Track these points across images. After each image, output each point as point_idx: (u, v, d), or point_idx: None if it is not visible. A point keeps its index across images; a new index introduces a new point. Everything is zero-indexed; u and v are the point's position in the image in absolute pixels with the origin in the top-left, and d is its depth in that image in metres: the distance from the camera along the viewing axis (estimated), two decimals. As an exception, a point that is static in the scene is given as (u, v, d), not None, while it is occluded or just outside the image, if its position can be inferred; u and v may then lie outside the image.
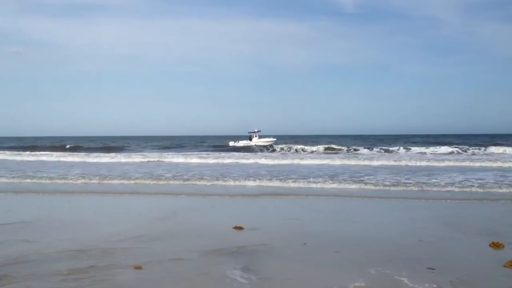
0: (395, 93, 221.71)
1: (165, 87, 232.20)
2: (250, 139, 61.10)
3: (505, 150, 38.28)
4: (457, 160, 28.68)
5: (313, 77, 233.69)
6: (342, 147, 48.04)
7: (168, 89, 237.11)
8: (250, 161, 31.01)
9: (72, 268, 6.31)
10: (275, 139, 62.75)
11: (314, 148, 47.37)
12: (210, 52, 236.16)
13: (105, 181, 18.40)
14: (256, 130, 62.49)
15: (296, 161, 29.75)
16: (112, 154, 39.70)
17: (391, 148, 45.21)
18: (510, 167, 23.88)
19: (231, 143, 60.23)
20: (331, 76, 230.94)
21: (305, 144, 54.01)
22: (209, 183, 17.49)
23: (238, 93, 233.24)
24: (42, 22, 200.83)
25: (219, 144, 63.34)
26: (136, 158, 34.97)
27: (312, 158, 32.55)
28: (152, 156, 35.92)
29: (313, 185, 16.24)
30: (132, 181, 18.18)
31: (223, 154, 39.89)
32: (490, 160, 27.60)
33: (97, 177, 19.23)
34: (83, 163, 31.83)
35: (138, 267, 6.31)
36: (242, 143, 59.56)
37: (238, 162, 30.48)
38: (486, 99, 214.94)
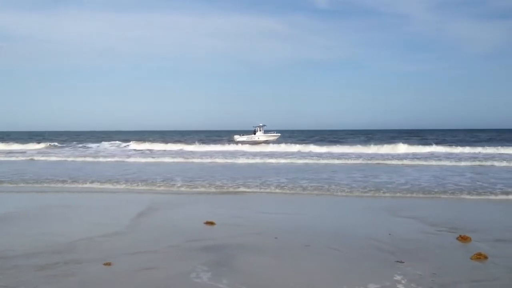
0: (368, 89, 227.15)
1: (140, 82, 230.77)
2: (254, 133, 60.57)
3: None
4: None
5: (290, 72, 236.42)
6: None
7: (142, 84, 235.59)
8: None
9: (41, 264, 6.18)
10: (279, 134, 62.30)
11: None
12: (186, 47, 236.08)
13: None
14: (261, 125, 61.57)
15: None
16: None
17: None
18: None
19: (236, 137, 59.77)
20: (308, 72, 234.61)
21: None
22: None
23: (215, 88, 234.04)
24: (13, 16, 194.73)
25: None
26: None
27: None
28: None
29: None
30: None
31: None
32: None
33: None
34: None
35: (108, 264, 6.18)
36: (245, 137, 59.15)
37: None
38: (458, 94, 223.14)
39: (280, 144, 42.49)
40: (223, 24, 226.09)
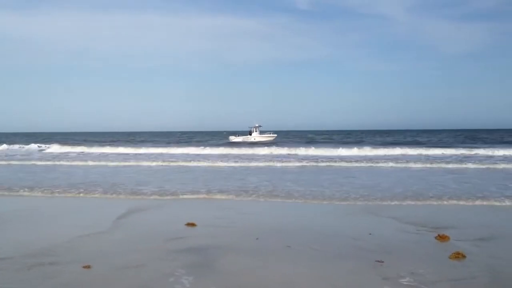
0: (346, 89, 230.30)
1: (123, 82, 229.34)
2: (250, 134, 60.05)
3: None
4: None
5: (270, 72, 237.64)
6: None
7: (124, 84, 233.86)
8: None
9: (20, 266, 6.11)
10: (276, 135, 61.88)
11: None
12: (167, 48, 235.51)
13: None
14: (256, 125, 60.90)
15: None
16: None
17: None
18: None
19: (232, 138, 59.27)
20: (288, 72, 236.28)
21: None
22: None
23: (197, 89, 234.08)
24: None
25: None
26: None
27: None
28: None
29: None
30: None
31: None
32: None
33: None
34: None
35: (87, 266, 6.11)
36: (241, 138, 58.73)
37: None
38: (434, 94, 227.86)
39: (264, 147, 42.08)
40: (205, 24, 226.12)
